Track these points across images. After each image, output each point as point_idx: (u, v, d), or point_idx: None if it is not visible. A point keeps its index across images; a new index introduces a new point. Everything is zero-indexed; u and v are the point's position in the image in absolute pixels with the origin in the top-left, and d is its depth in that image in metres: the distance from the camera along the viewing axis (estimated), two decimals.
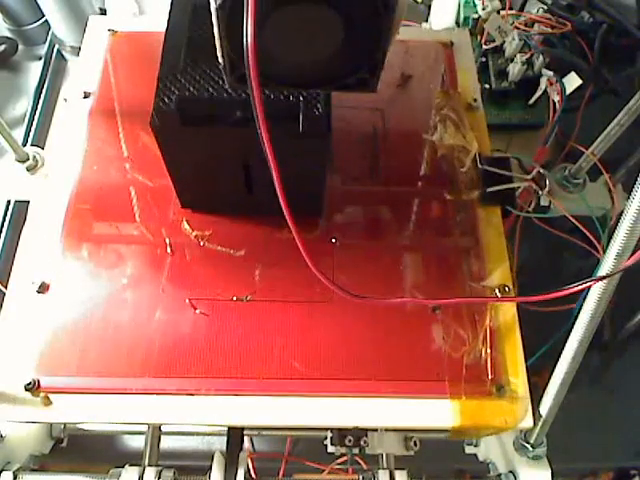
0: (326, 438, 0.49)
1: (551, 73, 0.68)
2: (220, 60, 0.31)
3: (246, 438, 0.63)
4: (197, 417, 0.43)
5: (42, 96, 0.78)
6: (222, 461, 0.47)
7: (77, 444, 0.58)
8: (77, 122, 0.56)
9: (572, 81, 0.66)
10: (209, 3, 0.28)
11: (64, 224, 0.50)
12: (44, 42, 0.83)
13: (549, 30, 0.74)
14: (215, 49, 0.31)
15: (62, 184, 0.52)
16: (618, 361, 0.69)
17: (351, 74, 0.32)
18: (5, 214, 0.70)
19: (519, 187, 0.55)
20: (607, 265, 0.34)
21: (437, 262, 0.50)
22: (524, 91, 0.71)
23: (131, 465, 0.47)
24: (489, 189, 0.52)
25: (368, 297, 0.39)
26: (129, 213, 0.51)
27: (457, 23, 0.75)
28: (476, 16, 0.72)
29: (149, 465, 0.48)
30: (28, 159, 0.56)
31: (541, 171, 0.58)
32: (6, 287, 0.47)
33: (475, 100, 0.58)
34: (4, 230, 0.69)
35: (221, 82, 0.41)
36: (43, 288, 0.47)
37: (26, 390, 0.42)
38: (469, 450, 0.57)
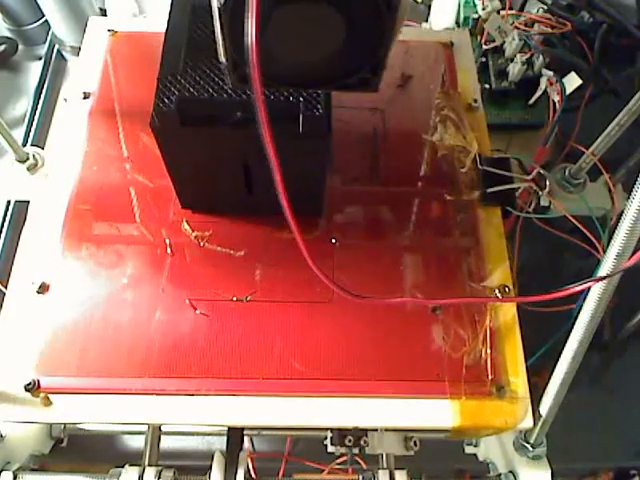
0: (326, 438, 0.49)
1: (551, 73, 0.68)
2: (222, 60, 0.31)
3: (246, 438, 0.63)
4: (197, 417, 0.43)
5: (42, 96, 0.78)
6: (222, 461, 0.47)
7: (77, 444, 0.58)
8: (77, 122, 0.56)
9: (572, 81, 0.66)
10: (210, 3, 0.28)
11: (64, 224, 0.50)
12: (44, 42, 0.83)
13: (549, 30, 0.74)
14: (215, 49, 0.31)
15: (62, 184, 0.52)
16: (618, 361, 0.69)
17: (353, 74, 0.32)
18: (5, 214, 0.70)
19: (519, 187, 0.55)
20: (607, 265, 0.34)
21: (437, 262, 0.50)
22: (524, 91, 0.71)
23: (131, 465, 0.47)
24: (489, 189, 0.52)
25: (368, 297, 0.39)
26: (129, 213, 0.51)
27: (457, 23, 0.75)
28: (476, 16, 0.72)
29: (149, 465, 0.48)
30: (28, 159, 0.56)
31: (541, 171, 0.58)
32: (6, 287, 0.47)
33: (475, 100, 0.58)
34: (4, 230, 0.69)
35: (221, 83, 0.41)
36: (43, 288, 0.47)
37: (26, 390, 0.42)
38: (469, 450, 0.57)
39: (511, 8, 0.74)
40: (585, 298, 0.37)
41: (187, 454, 0.64)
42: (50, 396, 0.42)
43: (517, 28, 0.71)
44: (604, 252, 0.34)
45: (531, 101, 0.71)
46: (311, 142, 0.42)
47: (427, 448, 0.51)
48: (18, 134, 0.74)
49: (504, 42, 0.69)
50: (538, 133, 0.70)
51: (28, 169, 0.56)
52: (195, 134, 0.42)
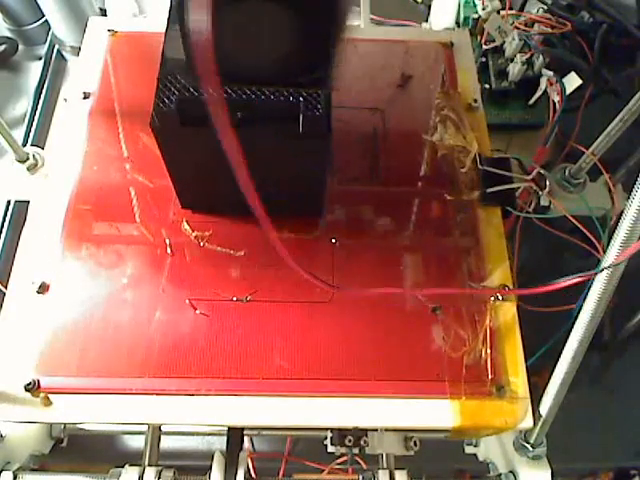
0: (326, 438, 0.49)
1: (551, 73, 0.68)
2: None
3: (246, 438, 0.63)
4: (197, 417, 0.43)
5: (42, 96, 0.78)
6: (222, 461, 0.47)
7: (77, 444, 0.58)
8: (77, 122, 0.55)
9: (572, 81, 0.66)
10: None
11: (64, 224, 0.50)
12: (44, 42, 0.83)
13: (549, 30, 0.74)
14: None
15: (62, 184, 0.52)
16: (618, 361, 0.69)
17: (307, 73, 0.32)
18: (5, 214, 0.70)
19: (519, 187, 0.55)
20: (607, 265, 0.34)
21: (437, 262, 0.50)
22: (524, 91, 0.71)
23: (131, 465, 0.47)
24: (489, 189, 0.52)
25: (344, 288, 0.38)
26: (129, 213, 0.51)
27: (457, 23, 0.75)
28: (476, 16, 0.72)
29: (149, 465, 0.48)
30: (28, 159, 0.56)
31: (541, 171, 0.58)
32: (6, 287, 0.47)
33: (475, 100, 0.58)
34: (4, 230, 0.69)
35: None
36: (43, 288, 0.47)
37: (26, 390, 0.42)
38: (469, 450, 0.57)
39: (511, 8, 0.74)
40: (585, 298, 0.37)
41: (187, 454, 0.64)
42: (50, 396, 0.42)
43: (517, 28, 0.71)
44: (604, 252, 0.34)
45: (531, 101, 0.71)
46: (311, 142, 0.42)
47: (427, 448, 0.51)
48: (18, 134, 0.74)
49: (504, 42, 0.69)
50: (538, 133, 0.70)
51: (28, 169, 0.56)
52: (195, 134, 0.42)
